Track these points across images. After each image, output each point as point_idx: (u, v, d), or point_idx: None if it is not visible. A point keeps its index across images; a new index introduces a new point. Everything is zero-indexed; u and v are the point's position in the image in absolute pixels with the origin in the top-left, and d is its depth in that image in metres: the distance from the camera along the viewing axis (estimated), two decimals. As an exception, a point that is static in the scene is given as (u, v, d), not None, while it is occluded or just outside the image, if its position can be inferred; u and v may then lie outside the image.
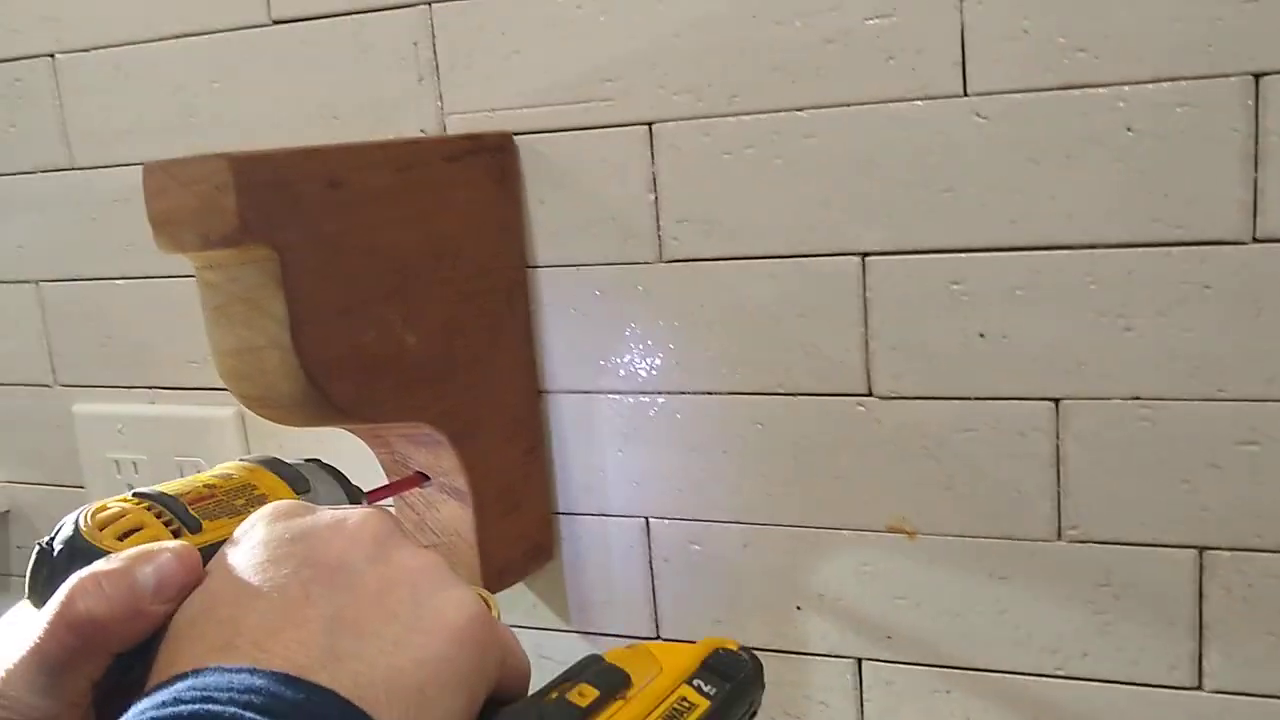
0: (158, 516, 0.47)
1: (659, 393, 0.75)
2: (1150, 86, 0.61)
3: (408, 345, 0.66)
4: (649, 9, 0.70)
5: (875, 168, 0.67)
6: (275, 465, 0.55)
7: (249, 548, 0.36)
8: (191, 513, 0.48)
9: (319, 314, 0.60)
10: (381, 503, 0.68)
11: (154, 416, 0.92)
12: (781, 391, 0.72)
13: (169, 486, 0.50)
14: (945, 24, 0.64)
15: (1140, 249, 0.63)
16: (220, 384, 0.88)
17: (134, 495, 0.48)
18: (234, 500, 0.50)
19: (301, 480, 0.54)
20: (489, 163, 0.73)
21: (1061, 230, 0.64)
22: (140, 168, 0.57)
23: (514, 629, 0.81)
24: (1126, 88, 0.62)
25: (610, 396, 0.77)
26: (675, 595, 0.78)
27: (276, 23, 0.81)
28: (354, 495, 0.59)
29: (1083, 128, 0.63)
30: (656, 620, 0.79)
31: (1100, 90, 0.62)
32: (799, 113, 0.68)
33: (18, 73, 0.91)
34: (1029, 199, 0.65)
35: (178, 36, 0.84)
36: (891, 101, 0.66)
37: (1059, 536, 0.68)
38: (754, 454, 0.74)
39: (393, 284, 0.65)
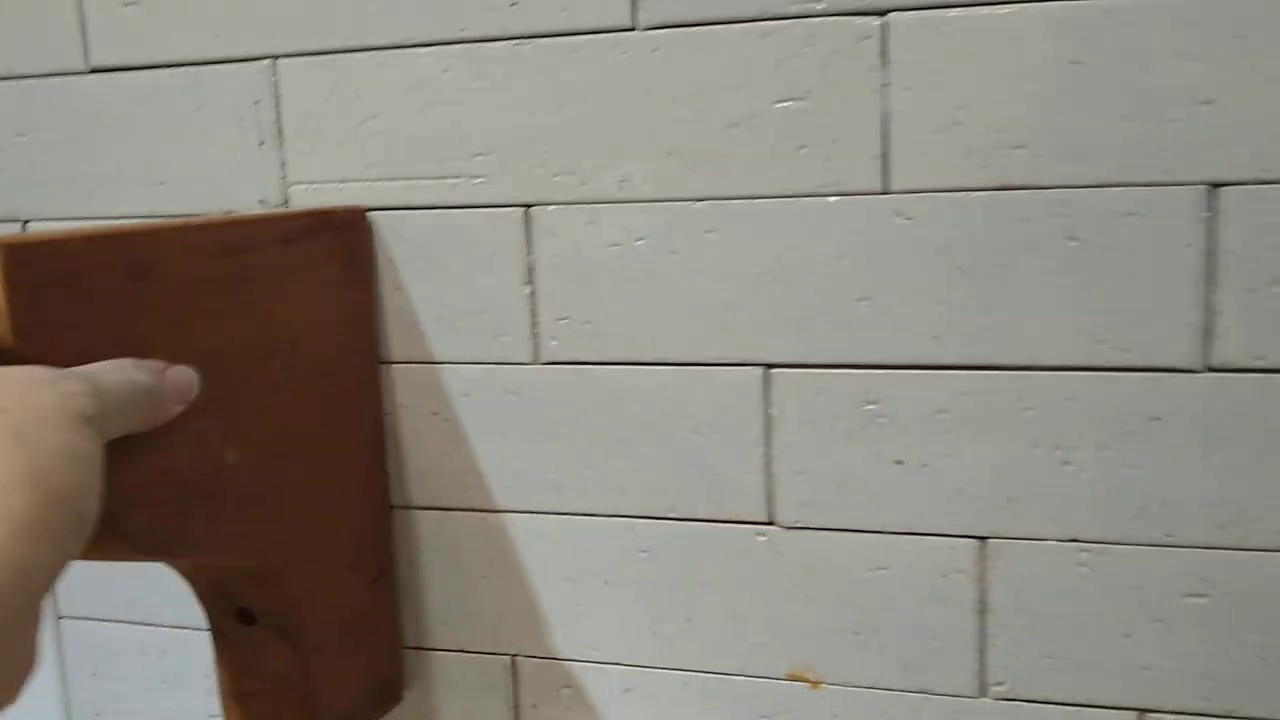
0: None
1: (532, 512, 0.65)
2: (1097, 192, 0.54)
3: (227, 464, 0.55)
4: (529, 77, 0.61)
5: (783, 269, 0.59)
6: None
7: None
8: None
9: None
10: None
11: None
12: (672, 516, 0.63)
13: None
14: (866, 111, 0.56)
15: (1082, 373, 0.56)
16: None
17: None
18: None
19: None
20: (335, 244, 0.62)
21: (993, 349, 0.57)
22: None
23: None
24: (1070, 191, 0.54)
25: (475, 514, 0.66)
26: (544, 745, 0.68)
27: (95, 71, 0.69)
28: None
29: (1020, 234, 0.55)
30: (522, 773, 0.69)
31: (1040, 193, 0.55)
32: (697, 203, 0.60)
33: None
34: (956, 312, 0.57)
35: (-21, 79, 0.72)
36: (803, 196, 0.58)
37: (983, 693, 0.60)
38: (639, 586, 0.64)
39: (212, 392, 0.53)
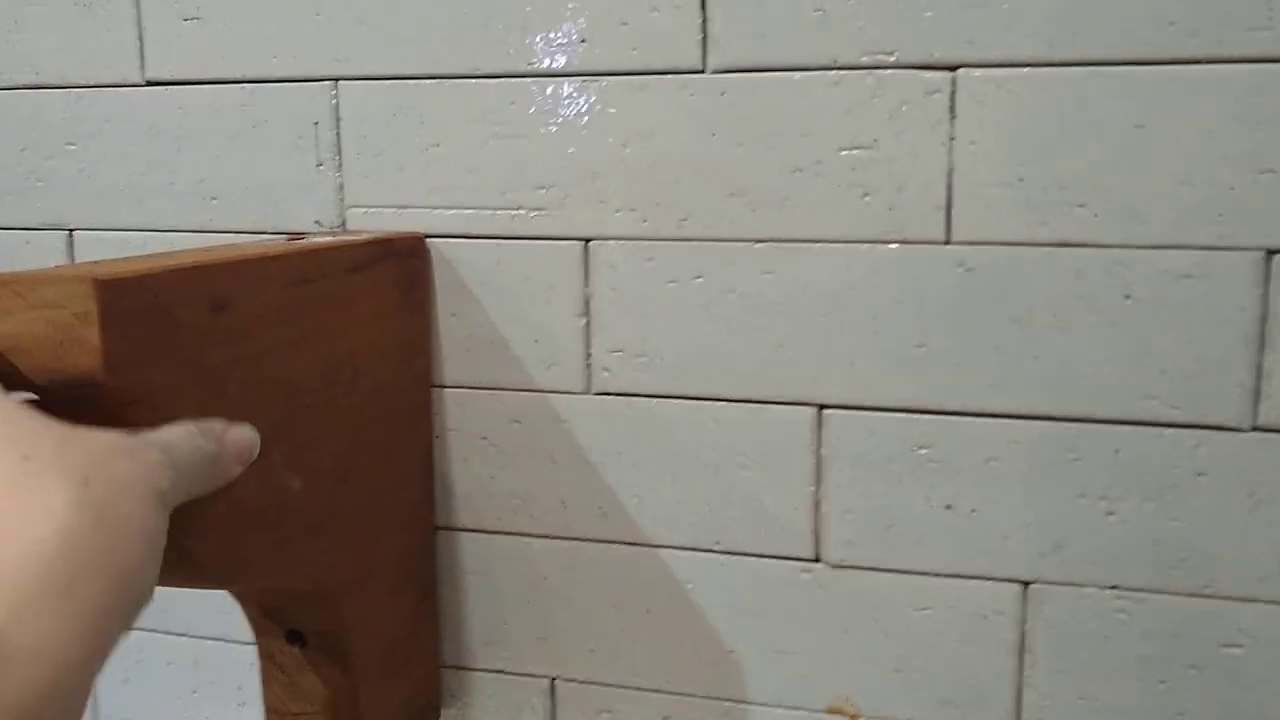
0: None
1: (578, 539, 0.66)
2: (1154, 252, 0.55)
3: (291, 491, 0.55)
4: (595, 114, 0.62)
5: (841, 312, 0.60)
6: None
7: None
8: None
9: (192, 466, 0.49)
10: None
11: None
12: (718, 549, 0.64)
13: None
14: (931, 163, 0.58)
15: (1130, 426, 0.57)
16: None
17: None
18: None
19: None
20: (397, 270, 0.63)
21: (1045, 399, 0.58)
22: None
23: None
24: (1128, 251, 0.56)
25: (519, 538, 0.67)
26: (579, 767, 0.69)
27: (151, 84, 0.69)
28: None
29: (1076, 289, 0.57)
30: (556, 794, 0.70)
31: (1099, 251, 0.56)
32: (758, 244, 0.61)
33: None
34: (1011, 362, 0.58)
35: (25, 87, 0.72)
36: (864, 242, 0.59)
37: (1019, 732, 0.61)
38: (682, 615, 0.65)
39: (279, 419, 0.54)
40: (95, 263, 0.51)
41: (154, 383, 0.47)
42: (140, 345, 0.46)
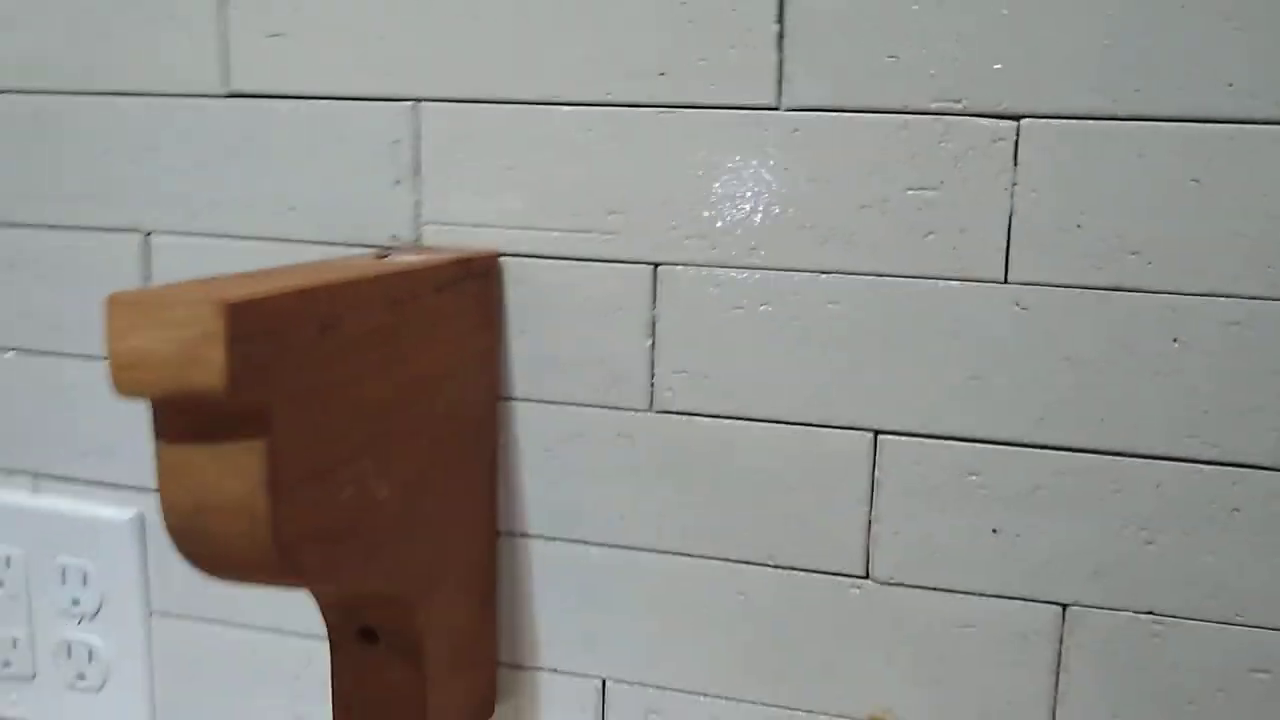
0: None
1: (634, 548, 0.69)
2: (1203, 299, 0.59)
3: (379, 500, 0.58)
4: (669, 144, 0.64)
5: (901, 343, 0.63)
6: None
7: None
8: None
9: (298, 476, 0.52)
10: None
11: (37, 507, 0.81)
12: (770, 564, 0.67)
13: None
14: (994, 206, 0.61)
15: (1172, 462, 0.61)
16: (118, 479, 0.78)
17: None
18: None
19: None
20: (475, 289, 0.66)
21: (1092, 434, 0.61)
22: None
23: None
24: (1178, 298, 0.59)
25: (578, 545, 0.70)
26: (626, 765, 0.72)
27: (233, 95, 0.72)
28: None
29: (1127, 332, 0.60)
30: (602, 789, 0.73)
31: (1151, 296, 0.59)
32: (824, 275, 0.64)
33: None
34: (1061, 397, 0.61)
35: (112, 93, 0.74)
36: (926, 278, 0.62)
37: (1052, 746, 0.65)
38: (732, 624, 0.69)
39: (372, 433, 0.57)
40: (206, 281, 0.53)
41: (265, 399, 0.50)
42: (258, 364, 0.49)
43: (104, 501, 0.79)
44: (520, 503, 0.71)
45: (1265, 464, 0.59)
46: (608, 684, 0.72)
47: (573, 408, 0.69)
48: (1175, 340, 0.59)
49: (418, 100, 0.68)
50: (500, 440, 0.70)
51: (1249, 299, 0.58)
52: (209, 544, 0.53)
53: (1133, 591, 0.62)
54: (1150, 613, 0.62)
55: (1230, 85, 0.57)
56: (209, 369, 0.47)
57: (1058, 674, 0.64)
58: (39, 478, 0.81)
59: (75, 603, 0.80)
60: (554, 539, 0.71)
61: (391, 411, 0.59)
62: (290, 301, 0.51)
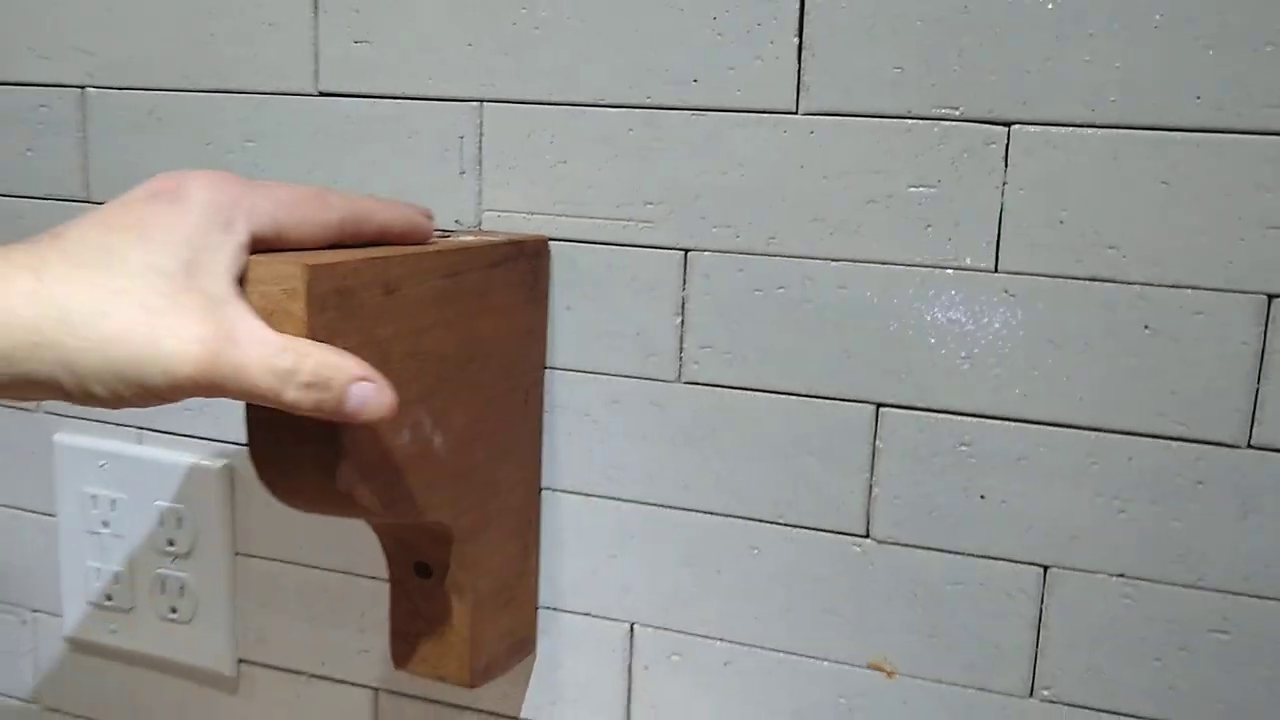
0: None
1: (660, 505, 0.77)
2: (1171, 290, 0.65)
3: (434, 447, 0.67)
4: (700, 143, 0.73)
5: (901, 325, 0.70)
6: None
7: None
8: None
9: (363, 419, 0.60)
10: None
11: (139, 456, 0.91)
12: (781, 522, 0.75)
13: None
14: (985, 203, 0.68)
15: (1142, 438, 0.67)
16: (215, 434, 0.88)
17: None
18: None
19: None
20: (526, 268, 0.74)
21: (1071, 410, 0.68)
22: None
23: (482, 715, 0.83)
24: (1149, 288, 0.66)
25: (611, 501, 0.79)
26: (650, 702, 0.80)
27: (323, 94, 0.81)
28: None
29: (1103, 319, 0.67)
30: (628, 723, 0.81)
31: (1125, 287, 0.66)
32: (833, 262, 0.71)
33: (44, 99, 0.90)
34: (1044, 376, 0.68)
35: (214, 90, 0.84)
36: (924, 266, 0.69)
37: (1031, 694, 0.71)
38: (746, 576, 0.76)
39: (429, 387, 0.66)
40: (292, 252, 0.62)
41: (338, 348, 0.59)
42: (331, 318, 0.58)
43: (198, 453, 0.90)
44: (562, 462, 0.79)
45: (1227, 441, 0.66)
46: (636, 628, 0.80)
47: (610, 377, 0.77)
48: (1146, 327, 0.66)
49: (481, 101, 0.77)
50: (545, 405, 0.79)
51: (1212, 290, 0.64)
52: (284, 477, 0.62)
53: (1106, 556, 0.69)
54: (1122, 575, 0.69)
55: (1198, 98, 0.63)
56: (292, 320, 0.56)
57: (1039, 629, 0.71)
58: (143, 431, 0.92)
59: (170, 543, 0.91)
60: (591, 495, 0.79)
61: (447, 369, 0.67)
62: (360, 266, 0.60)
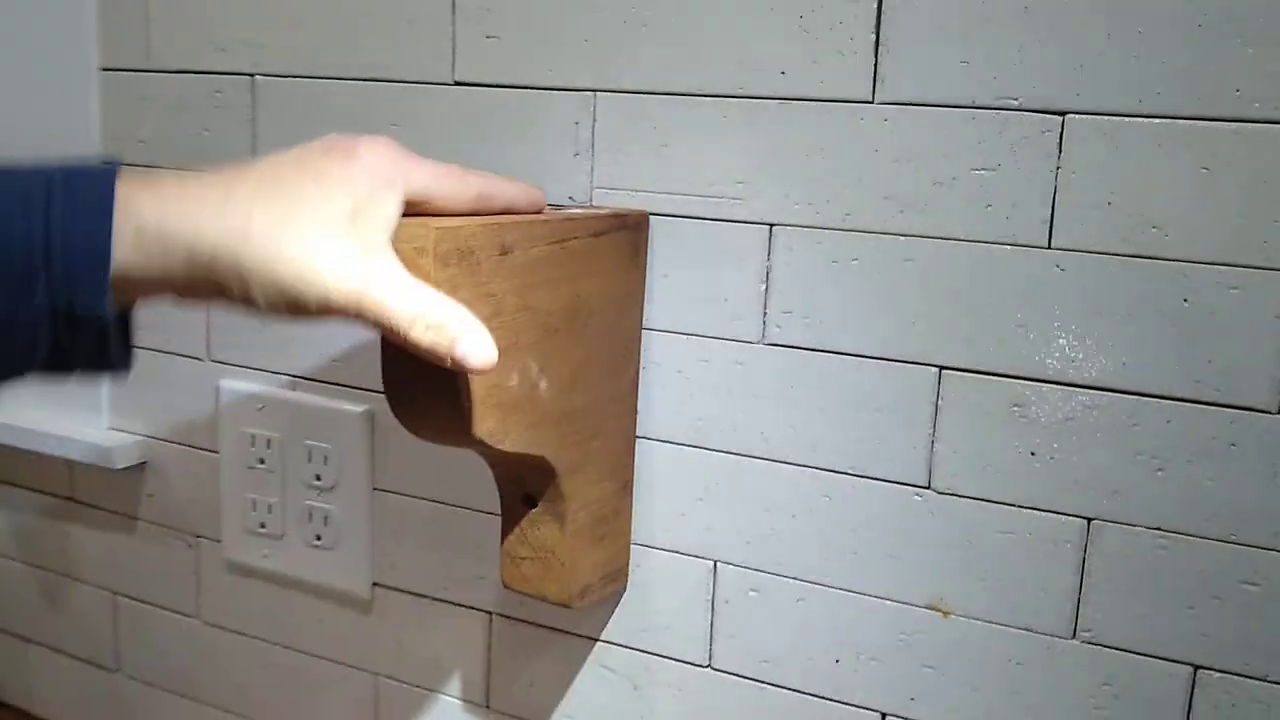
0: None
1: (744, 455, 0.86)
2: (1209, 267, 0.71)
3: (539, 390, 0.77)
4: (785, 129, 0.81)
5: (962, 295, 0.78)
6: None
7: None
8: None
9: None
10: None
11: (292, 401, 1.04)
12: (851, 473, 0.83)
13: None
14: (1041, 185, 0.75)
15: (1180, 402, 0.73)
16: (354, 382, 1.00)
17: None
18: None
19: None
20: (628, 238, 0.84)
21: (1115, 375, 0.74)
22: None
23: (581, 639, 0.92)
24: (1189, 265, 0.72)
25: (699, 450, 0.88)
26: (730, 632, 0.89)
27: (458, 84, 0.92)
28: None
29: (1146, 292, 0.73)
30: (710, 652, 0.90)
31: (1166, 263, 0.72)
32: (902, 237, 0.79)
33: (219, 85, 1.03)
34: (1091, 343, 0.75)
35: (365, 79, 0.96)
36: (984, 242, 0.77)
37: (1073, 635, 0.78)
38: (819, 522, 0.85)
39: (536, 338, 0.76)
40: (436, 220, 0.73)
41: (458, 300, 0.69)
42: (453, 273, 0.68)
43: (343, 398, 1.02)
44: (656, 414, 0.89)
45: (1258, 406, 0.71)
46: (718, 565, 0.89)
47: (700, 338, 0.86)
48: (1185, 300, 0.72)
49: (595, 91, 0.87)
50: (641, 362, 0.88)
51: (1246, 268, 0.70)
52: (412, 412, 0.73)
53: (1145, 510, 0.75)
54: (1159, 529, 0.75)
55: (1237, 91, 0.69)
56: (420, 272, 0.66)
57: (1081, 575, 0.77)
58: (295, 378, 1.04)
59: (317, 478, 1.03)
60: (681, 445, 0.88)
61: (554, 323, 0.77)
62: (478, 230, 0.70)
